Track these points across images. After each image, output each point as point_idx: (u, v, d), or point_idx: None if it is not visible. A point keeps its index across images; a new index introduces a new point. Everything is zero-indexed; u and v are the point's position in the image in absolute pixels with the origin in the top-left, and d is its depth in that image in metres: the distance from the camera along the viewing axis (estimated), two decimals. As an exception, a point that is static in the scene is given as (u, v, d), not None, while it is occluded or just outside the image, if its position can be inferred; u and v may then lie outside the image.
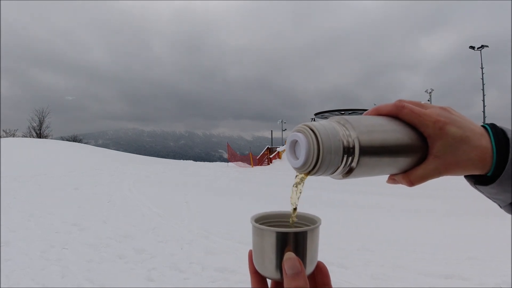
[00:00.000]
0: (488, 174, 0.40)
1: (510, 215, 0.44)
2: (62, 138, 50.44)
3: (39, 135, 41.65)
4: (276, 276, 0.36)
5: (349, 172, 0.36)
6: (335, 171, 0.36)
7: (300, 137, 0.35)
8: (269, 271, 0.37)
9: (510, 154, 0.39)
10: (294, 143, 0.37)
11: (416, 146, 0.39)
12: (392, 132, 0.38)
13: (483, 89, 26.08)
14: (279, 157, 25.10)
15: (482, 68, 26.28)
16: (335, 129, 0.35)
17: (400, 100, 0.41)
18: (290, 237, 0.36)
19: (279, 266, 0.36)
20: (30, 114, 43.23)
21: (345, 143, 0.35)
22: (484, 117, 25.82)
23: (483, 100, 25.93)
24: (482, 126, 0.42)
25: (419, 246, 4.34)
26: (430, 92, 26.51)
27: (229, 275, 3.43)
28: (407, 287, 3.18)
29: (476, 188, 0.43)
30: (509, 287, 3.10)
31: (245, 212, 6.71)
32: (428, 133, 0.40)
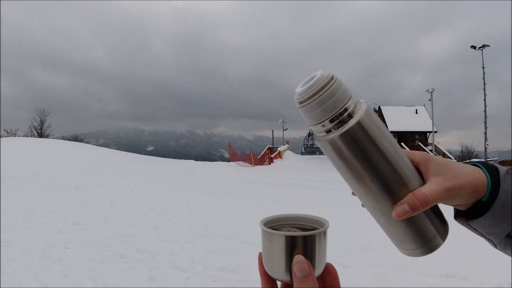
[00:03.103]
0: (483, 199, 0.41)
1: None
2: (63, 138, 50.52)
3: (40, 135, 41.71)
4: (286, 278, 0.37)
5: (340, 124, 0.36)
6: (327, 118, 0.36)
7: (319, 72, 0.37)
8: (279, 273, 0.38)
9: (501, 181, 0.41)
10: (311, 79, 0.37)
11: (409, 162, 0.41)
12: (393, 139, 0.40)
13: (484, 89, 26.03)
14: (280, 157, 25.11)
15: (483, 67, 26.22)
16: (351, 91, 0.37)
17: None
18: (298, 240, 0.37)
19: (289, 269, 0.37)
20: (31, 114, 43.40)
21: (351, 101, 0.37)
22: (486, 116, 25.78)
23: (484, 100, 25.88)
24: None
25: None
26: (431, 92, 26.45)
27: (231, 275, 3.43)
28: (408, 286, 3.19)
29: (469, 226, 0.44)
30: (510, 287, 3.10)
31: (247, 211, 6.72)
32: (418, 159, 0.42)
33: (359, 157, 0.37)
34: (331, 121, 0.37)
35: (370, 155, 0.37)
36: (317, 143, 0.39)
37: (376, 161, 0.38)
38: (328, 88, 0.36)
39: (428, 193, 0.39)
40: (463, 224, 0.45)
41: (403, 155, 0.40)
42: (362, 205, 0.45)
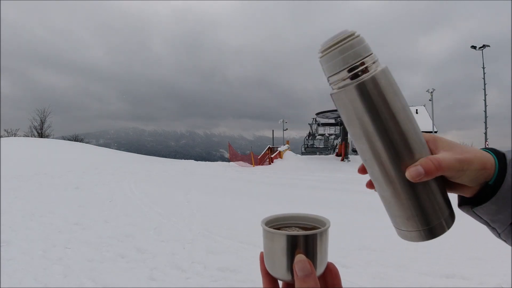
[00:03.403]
0: (490, 182, 0.41)
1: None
2: (64, 138, 50.55)
3: (41, 135, 41.75)
4: (287, 277, 0.37)
5: (356, 76, 0.38)
6: (346, 67, 0.38)
7: (344, 29, 0.39)
8: (280, 272, 0.38)
9: (508, 166, 0.40)
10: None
11: (420, 131, 0.41)
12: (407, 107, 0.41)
13: (484, 89, 26.03)
14: (280, 157, 25.11)
15: (483, 68, 26.23)
16: (372, 51, 0.39)
17: None
18: (300, 240, 0.37)
19: (290, 268, 0.37)
20: (31, 114, 43.49)
21: (369, 58, 0.38)
22: (486, 116, 25.78)
23: (485, 100, 25.89)
24: None
25: (420, 246, 4.34)
26: (431, 92, 26.45)
27: (231, 275, 3.44)
28: (408, 286, 3.19)
29: (474, 214, 0.43)
30: (510, 287, 3.10)
31: (247, 211, 6.72)
32: (427, 138, 0.42)
33: (369, 113, 0.38)
34: (349, 70, 0.38)
35: (381, 113, 0.38)
36: (332, 97, 0.41)
37: (386, 120, 0.38)
38: (350, 40, 0.38)
39: (442, 159, 0.39)
40: (467, 212, 0.44)
41: (414, 122, 0.40)
42: (367, 185, 0.45)
